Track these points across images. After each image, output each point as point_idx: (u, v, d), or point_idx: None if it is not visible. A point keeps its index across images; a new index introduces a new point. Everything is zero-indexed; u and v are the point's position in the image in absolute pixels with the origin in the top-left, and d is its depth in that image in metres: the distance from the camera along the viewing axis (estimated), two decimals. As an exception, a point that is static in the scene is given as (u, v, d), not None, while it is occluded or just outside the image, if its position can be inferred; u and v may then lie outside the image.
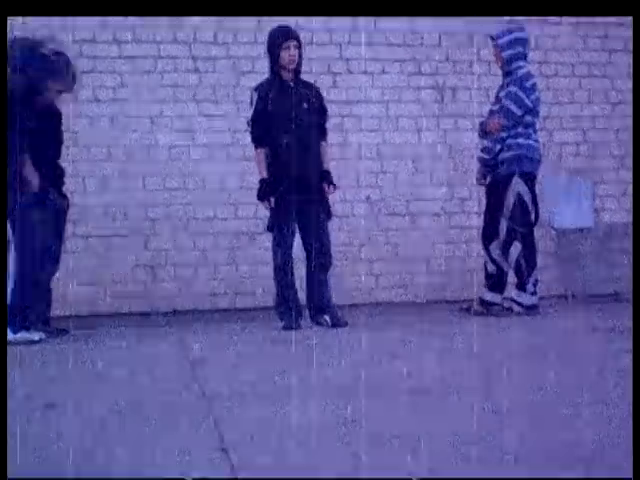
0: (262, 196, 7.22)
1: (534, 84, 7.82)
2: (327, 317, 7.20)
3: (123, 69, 8.75)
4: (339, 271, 8.08)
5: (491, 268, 7.88)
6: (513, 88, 7.71)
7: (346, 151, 8.99)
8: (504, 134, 7.69)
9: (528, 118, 7.74)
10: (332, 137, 7.93)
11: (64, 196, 7.05)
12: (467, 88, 9.30)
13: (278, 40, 7.22)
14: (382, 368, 4.85)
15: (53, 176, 6.90)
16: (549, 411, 3.50)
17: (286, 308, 7.19)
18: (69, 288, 8.11)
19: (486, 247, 7.89)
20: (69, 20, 8.49)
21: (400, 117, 9.21)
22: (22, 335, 6.45)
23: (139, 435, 3.29)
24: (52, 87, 6.78)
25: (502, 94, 7.80)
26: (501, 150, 7.72)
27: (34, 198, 6.65)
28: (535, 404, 3.62)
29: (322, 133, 7.41)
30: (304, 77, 7.45)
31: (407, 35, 9.23)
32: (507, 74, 7.82)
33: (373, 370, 4.76)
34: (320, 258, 7.27)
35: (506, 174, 7.71)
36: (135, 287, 8.70)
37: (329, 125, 7.57)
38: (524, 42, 7.83)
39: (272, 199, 7.15)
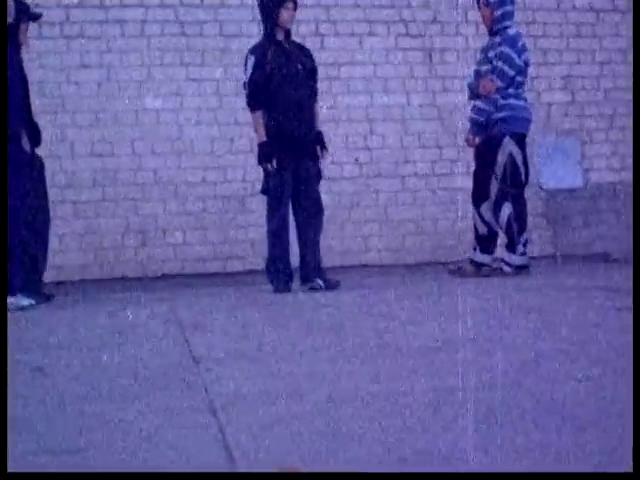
0: (263, 159, 7.17)
1: (524, 44, 7.80)
2: (319, 280, 7.20)
3: (110, 34, 8.70)
4: (328, 234, 8.09)
5: (482, 229, 7.88)
6: (505, 48, 7.66)
7: (334, 114, 8.98)
8: (496, 95, 7.66)
9: (519, 78, 7.72)
10: (320, 100, 7.92)
11: (37, 156, 6.95)
12: (455, 50, 9.27)
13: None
14: (377, 329, 4.87)
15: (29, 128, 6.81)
16: (539, 369, 3.53)
17: (277, 271, 7.19)
18: (58, 254, 8.11)
19: (477, 208, 7.88)
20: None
21: (388, 79, 9.20)
22: (10, 301, 6.41)
23: (125, 399, 3.31)
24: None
25: (491, 54, 7.75)
26: (493, 111, 7.70)
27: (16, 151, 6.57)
28: (528, 362, 3.65)
29: (314, 94, 7.39)
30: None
31: (394, -4, 9.20)
32: (495, 33, 7.77)
33: (366, 332, 4.78)
34: (312, 221, 7.26)
35: (498, 135, 7.69)
36: (125, 252, 8.71)
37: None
38: (513, 1, 7.80)
39: (274, 161, 7.10)
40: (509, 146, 7.68)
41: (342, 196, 9.02)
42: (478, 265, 7.87)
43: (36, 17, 7.03)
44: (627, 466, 2.20)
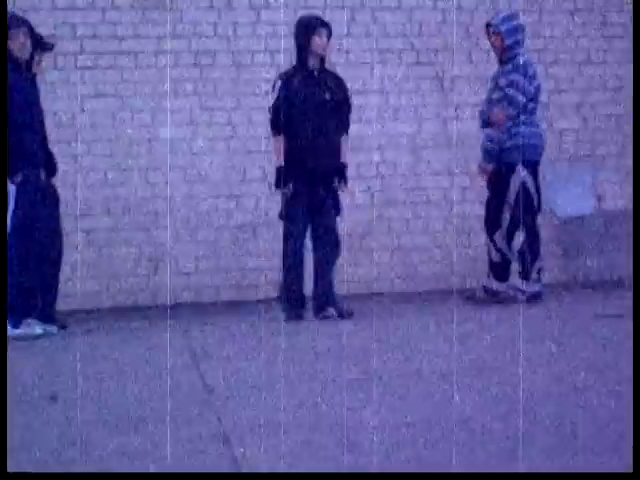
0: (279, 183, 7.18)
1: (535, 71, 7.84)
2: (332, 309, 7.18)
3: (124, 64, 8.76)
4: (341, 262, 8.09)
5: (495, 257, 7.88)
6: (516, 76, 7.69)
7: (347, 142, 8.98)
8: (509, 123, 7.68)
9: (530, 105, 7.75)
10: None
11: (52, 185, 7.01)
12: (466, 77, 9.29)
13: (311, 26, 7.24)
14: (391, 359, 4.86)
15: (44, 158, 6.88)
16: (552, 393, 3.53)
17: (289, 299, 7.19)
18: (71, 282, 8.13)
19: (490, 236, 7.88)
20: (69, 16, 8.51)
21: (400, 107, 9.22)
22: (23, 330, 6.41)
23: (140, 425, 3.32)
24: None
25: (503, 82, 7.77)
26: (505, 139, 7.72)
27: (25, 178, 6.64)
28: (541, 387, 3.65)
29: (343, 125, 7.39)
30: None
31: (406, 25, 9.23)
32: (506, 61, 7.81)
33: (379, 362, 4.77)
34: (328, 251, 7.28)
35: (510, 162, 7.70)
36: (137, 280, 8.72)
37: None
38: (523, 29, 7.85)
39: (290, 185, 7.12)
40: (521, 174, 7.69)
41: (354, 224, 9.02)
42: (492, 292, 7.86)
43: (49, 48, 7.09)
44: (627, 466, 2.20)
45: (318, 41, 7.20)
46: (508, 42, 7.73)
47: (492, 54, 8.35)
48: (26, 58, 6.76)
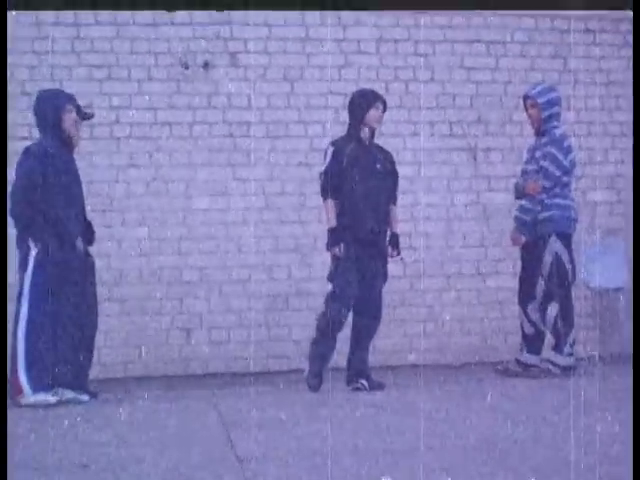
0: (331, 243, 7.23)
1: (570, 144, 7.85)
2: (364, 381, 7.15)
3: (158, 134, 8.85)
4: (373, 333, 8.04)
5: (528, 329, 7.83)
6: (551, 149, 7.70)
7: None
8: (544, 195, 7.67)
9: (565, 179, 7.76)
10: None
11: (89, 254, 7.07)
12: (500, 149, 9.31)
13: (369, 99, 7.39)
14: (420, 430, 4.81)
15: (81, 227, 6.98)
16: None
17: (316, 366, 7.13)
18: (103, 350, 8.14)
19: (524, 308, 7.84)
20: (105, 87, 8.64)
21: (432, 178, 9.24)
22: (39, 396, 6.37)
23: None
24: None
25: (538, 154, 7.78)
26: (539, 211, 7.71)
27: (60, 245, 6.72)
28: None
29: (392, 196, 7.50)
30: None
31: (439, 97, 9.29)
32: (543, 134, 7.82)
33: (408, 433, 4.72)
34: (370, 323, 7.28)
35: (544, 234, 7.69)
36: (169, 350, 8.71)
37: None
38: (560, 102, 7.86)
39: (342, 245, 7.16)
40: (555, 245, 7.66)
41: (387, 295, 8.98)
42: (525, 365, 7.79)
43: (89, 117, 7.22)
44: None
45: (374, 114, 7.32)
46: (545, 114, 7.76)
47: (525, 126, 8.39)
48: (74, 135, 6.92)
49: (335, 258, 7.22)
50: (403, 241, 9.10)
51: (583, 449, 4.00)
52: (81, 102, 7.36)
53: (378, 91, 7.64)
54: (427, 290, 9.17)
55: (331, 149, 7.34)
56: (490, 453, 3.89)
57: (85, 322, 6.87)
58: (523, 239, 7.86)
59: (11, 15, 7.09)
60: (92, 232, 7.14)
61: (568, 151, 7.80)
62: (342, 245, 7.16)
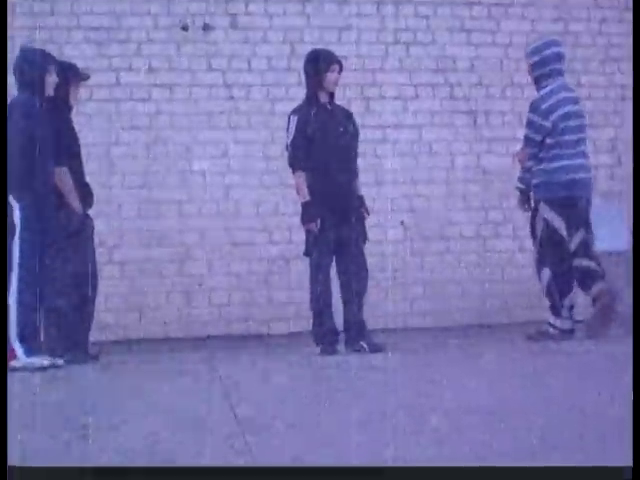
0: (307, 219, 7.15)
1: (557, 102, 7.52)
2: (364, 343, 7.12)
3: (159, 97, 8.83)
4: (373, 296, 8.06)
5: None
6: (528, 114, 7.51)
7: (380, 176, 9.01)
8: (530, 162, 7.56)
9: (550, 140, 7.51)
10: (366, 162, 7.95)
11: (88, 216, 7.02)
12: (500, 112, 9.29)
13: (324, 62, 7.19)
14: (423, 393, 4.82)
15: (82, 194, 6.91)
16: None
17: (323, 333, 7.13)
18: (104, 313, 8.15)
19: (537, 272, 7.72)
20: (105, 49, 8.60)
21: (433, 142, 9.22)
22: (31, 360, 6.36)
23: (168, 462, 3.30)
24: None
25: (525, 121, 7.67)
26: (529, 178, 7.62)
27: (68, 218, 6.67)
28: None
29: (356, 157, 7.37)
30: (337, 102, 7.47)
31: (440, 60, 9.25)
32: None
33: (413, 397, 4.73)
34: (356, 282, 7.21)
35: (536, 201, 7.63)
36: (169, 312, 8.74)
37: (361, 149, 7.55)
38: (556, 57, 7.54)
39: (318, 220, 7.06)
40: (544, 212, 7.53)
41: (387, 258, 9.01)
42: (554, 328, 7.64)
43: (85, 79, 7.11)
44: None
45: (331, 77, 7.17)
46: (536, 74, 7.54)
47: (526, 89, 8.35)
48: (51, 94, 6.72)
49: (310, 232, 7.09)
50: (404, 204, 9.13)
51: (582, 413, 4.02)
52: (80, 65, 7.31)
53: (333, 52, 7.39)
54: (427, 253, 9.18)
55: (294, 118, 7.13)
56: (493, 416, 3.91)
57: (84, 284, 6.85)
58: (526, 207, 7.81)
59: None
60: (91, 194, 7.07)
61: (550, 110, 7.46)
62: (318, 221, 7.04)
